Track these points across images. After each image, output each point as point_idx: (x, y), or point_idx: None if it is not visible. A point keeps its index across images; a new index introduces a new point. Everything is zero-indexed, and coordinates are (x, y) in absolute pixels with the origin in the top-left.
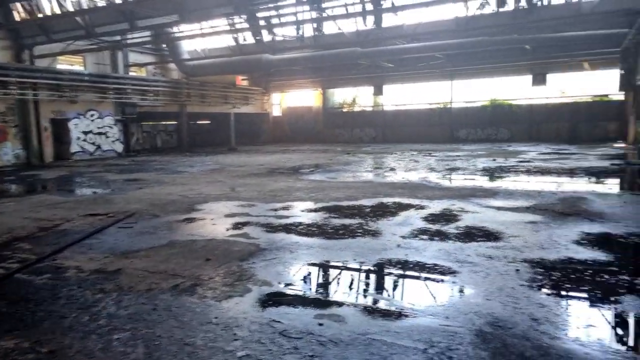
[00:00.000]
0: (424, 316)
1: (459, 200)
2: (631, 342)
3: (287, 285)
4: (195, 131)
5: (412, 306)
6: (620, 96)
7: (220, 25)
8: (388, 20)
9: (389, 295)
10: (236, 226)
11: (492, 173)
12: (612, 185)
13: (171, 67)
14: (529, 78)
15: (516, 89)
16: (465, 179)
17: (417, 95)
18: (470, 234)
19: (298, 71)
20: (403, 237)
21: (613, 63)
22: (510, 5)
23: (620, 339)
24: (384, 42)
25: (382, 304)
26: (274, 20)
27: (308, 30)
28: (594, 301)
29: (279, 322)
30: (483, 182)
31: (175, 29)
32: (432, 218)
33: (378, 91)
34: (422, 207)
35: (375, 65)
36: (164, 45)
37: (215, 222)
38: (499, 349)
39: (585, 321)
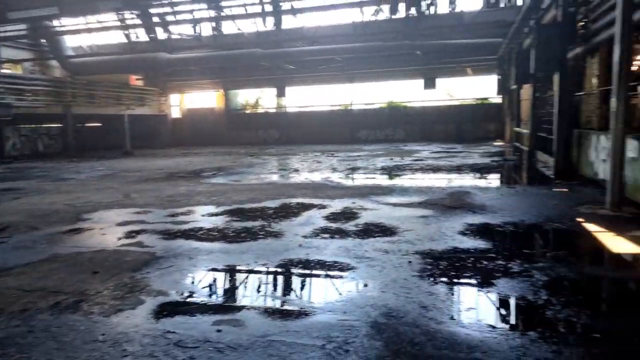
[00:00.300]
0: (323, 313)
1: (359, 198)
2: (503, 320)
3: (184, 293)
4: (85, 134)
5: (312, 304)
6: (498, 99)
7: (109, 21)
8: (288, 22)
9: (289, 296)
10: (129, 235)
11: (389, 172)
12: (492, 180)
13: (53, 64)
14: (421, 82)
15: (410, 92)
16: (366, 177)
17: (320, 97)
18: (369, 231)
19: (197, 71)
20: (305, 236)
21: (491, 69)
22: (401, 13)
23: (495, 318)
24: (284, 44)
25: (282, 305)
26: (169, 18)
27: (207, 30)
28: (474, 285)
29: (174, 332)
30: (381, 180)
31: (55, 23)
32: (334, 217)
33: (281, 93)
34: (324, 207)
35: (277, 67)
36: (43, 40)
37: (105, 232)
38: (391, 337)
39: (467, 305)
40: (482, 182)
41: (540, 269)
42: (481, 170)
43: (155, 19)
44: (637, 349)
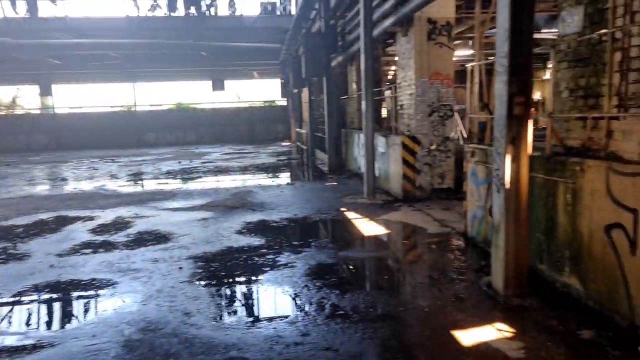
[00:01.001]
0: (65, 342)
1: (136, 205)
2: (263, 313)
3: None
4: None
5: (54, 334)
6: (284, 102)
7: None
8: (46, 10)
9: (28, 328)
10: None
11: (174, 175)
12: (274, 178)
13: None
14: (209, 83)
15: (201, 94)
16: (148, 183)
17: (98, 97)
18: (141, 240)
19: None
20: (60, 255)
21: (276, 73)
22: (181, 11)
23: (255, 312)
24: (45, 34)
25: (16, 342)
26: None
27: None
28: (242, 283)
29: None
30: (164, 184)
31: None
32: (101, 229)
33: (46, 91)
34: (91, 218)
35: (38, 61)
36: None
37: None
38: (144, 354)
39: (231, 304)
40: (265, 181)
41: (304, 258)
42: (266, 169)
43: None
44: (371, 319)
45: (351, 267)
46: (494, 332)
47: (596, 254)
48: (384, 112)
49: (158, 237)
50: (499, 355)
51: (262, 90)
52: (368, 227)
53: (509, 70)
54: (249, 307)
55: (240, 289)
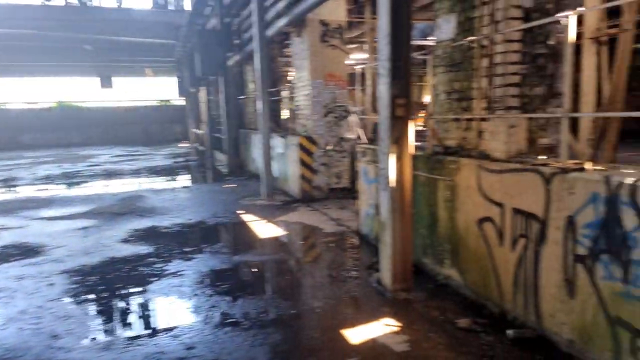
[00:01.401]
0: None
1: (2, 216)
2: (146, 327)
3: None
4: None
5: None
6: (181, 101)
7: None
8: None
9: None
10: None
11: (54, 180)
12: (169, 182)
13: None
14: (97, 80)
15: (88, 91)
16: (20, 189)
17: None
18: (5, 255)
19: None
20: None
21: (171, 71)
22: (60, 0)
23: (138, 327)
24: None
25: None
26: None
27: None
28: (123, 296)
29: None
30: (40, 191)
31: None
32: None
33: None
34: None
35: None
36: None
37: None
38: None
39: (109, 321)
40: (158, 185)
41: (195, 266)
42: (161, 172)
43: None
44: (262, 325)
45: (245, 271)
46: (381, 327)
47: (471, 246)
48: (287, 113)
49: (26, 251)
50: (385, 350)
51: (157, 89)
52: (265, 229)
53: (391, 73)
54: (128, 323)
55: (120, 304)
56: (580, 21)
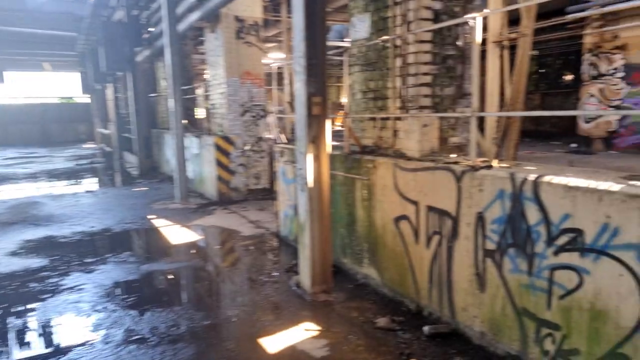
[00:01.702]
0: None
1: None
2: (29, 353)
3: None
4: None
5: None
6: (86, 99)
7: None
8: None
9: None
10: None
11: None
12: (71, 186)
13: None
14: None
15: None
16: None
17: None
18: None
19: None
20: None
21: (74, 66)
22: None
23: (21, 354)
24: None
25: None
26: None
27: None
28: (7, 317)
29: None
30: None
31: None
32: None
33: None
34: None
35: None
36: None
37: None
38: None
39: None
40: (58, 190)
41: (97, 278)
42: (61, 176)
43: None
44: (172, 340)
45: (155, 282)
46: (301, 333)
47: (389, 244)
48: (203, 112)
49: None
50: (304, 356)
51: (59, 85)
52: (179, 234)
53: (307, 70)
54: (9, 351)
55: (4, 327)
56: (485, 27)
